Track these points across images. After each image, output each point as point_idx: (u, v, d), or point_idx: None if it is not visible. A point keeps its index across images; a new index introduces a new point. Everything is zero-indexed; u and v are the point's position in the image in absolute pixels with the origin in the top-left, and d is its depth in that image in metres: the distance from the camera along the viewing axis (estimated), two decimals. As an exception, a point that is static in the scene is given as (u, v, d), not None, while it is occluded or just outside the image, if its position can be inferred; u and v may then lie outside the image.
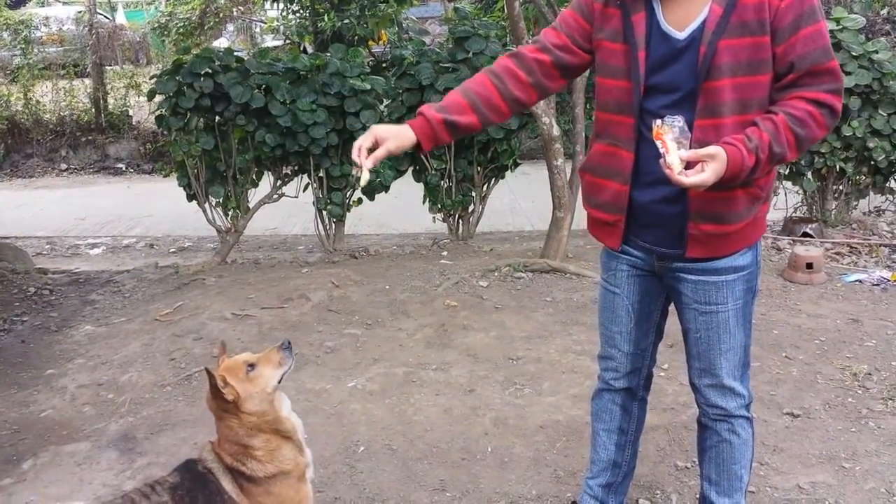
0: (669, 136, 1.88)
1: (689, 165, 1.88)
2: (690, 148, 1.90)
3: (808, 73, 1.95)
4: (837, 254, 5.75)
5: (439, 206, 6.44)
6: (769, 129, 1.92)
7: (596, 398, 2.56)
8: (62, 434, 3.48)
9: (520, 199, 8.76)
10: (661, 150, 1.89)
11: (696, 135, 1.96)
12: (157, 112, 6.07)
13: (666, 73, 2.02)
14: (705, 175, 1.85)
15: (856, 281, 5.10)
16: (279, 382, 2.19)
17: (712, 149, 1.87)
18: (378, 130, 2.13)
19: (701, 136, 1.97)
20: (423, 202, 6.52)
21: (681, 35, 2.00)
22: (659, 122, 1.91)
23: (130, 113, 12.36)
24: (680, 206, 2.08)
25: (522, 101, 2.28)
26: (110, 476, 3.11)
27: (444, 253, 6.14)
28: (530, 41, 2.32)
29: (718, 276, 2.14)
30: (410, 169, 6.41)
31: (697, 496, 2.49)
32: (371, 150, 2.11)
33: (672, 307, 2.35)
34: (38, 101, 12.19)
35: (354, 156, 2.11)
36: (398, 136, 2.15)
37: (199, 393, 3.79)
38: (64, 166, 11.97)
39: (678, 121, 1.89)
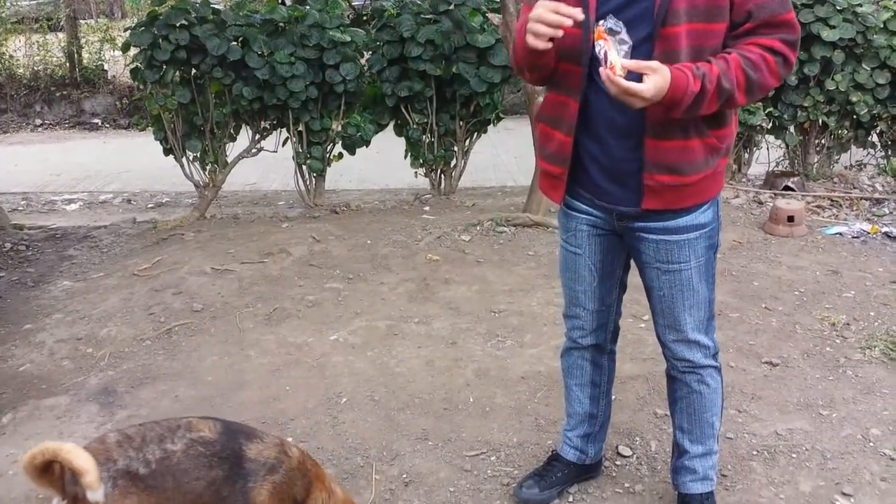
0: (611, 41, 1.81)
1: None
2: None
3: (764, 24, 1.91)
4: (818, 207, 5.77)
5: (421, 160, 6.39)
6: (720, 65, 1.88)
7: (565, 356, 2.55)
8: (41, 388, 3.45)
9: (502, 154, 8.71)
10: (602, 50, 1.80)
11: None
12: (132, 65, 5.94)
13: (620, 19, 1.91)
14: (645, 86, 1.79)
15: (836, 234, 5.14)
16: None
17: (655, 63, 1.82)
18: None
19: None
20: (405, 157, 6.47)
21: None
22: (602, 22, 1.83)
23: (105, 67, 12.12)
24: (635, 160, 2.02)
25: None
26: (91, 429, 3.09)
27: (426, 208, 6.11)
28: None
29: (680, 235, 2.11)
30: (392, 123, 6.34)
31: (672, 445, 2.52)
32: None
33: (627, 259, 2.33)
34: (11, 56, 11.92)
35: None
36: None
37: (178, 347, 3.77)
38: (39, 122, 11.75)
39: (620, 25, 1.82)
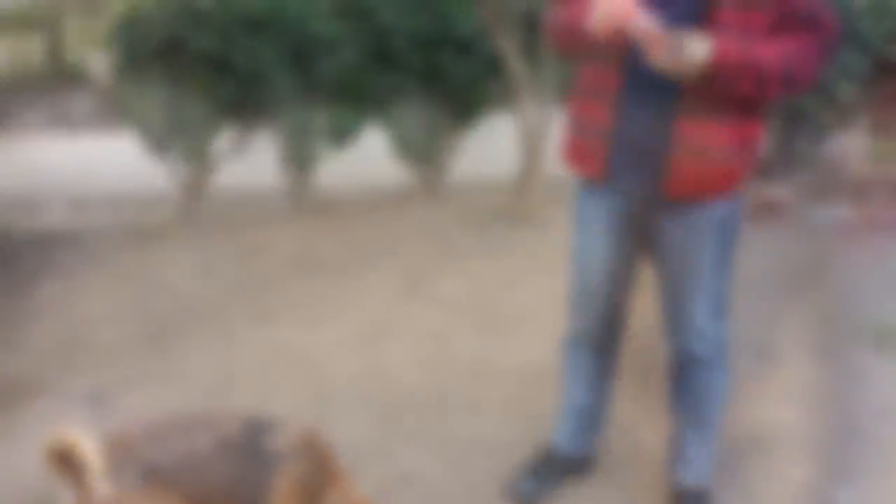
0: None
1: None
2: None
3: (804, 23, 1.91)
4: (804, 193, 5.79)
5: (407, 155, 6.36)
6: (760, 47, 1.87)
7: (568, 348, 2.51)
8: (29, 392, 3.41)
9: (489, 147, 8.68)
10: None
11: None
12: (113, 63, 5.88)
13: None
14: (693, 46, 1.79)
15: (822, 220, 5.15)
16: None
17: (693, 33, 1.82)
18: None
19: None
20: (391, 151, 6.43)
21: None
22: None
23: (86, 65, 12.02)
24: (663, 141, 1.97)
25: None
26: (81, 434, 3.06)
27: (414, 203, 6.08)
28: None
29: (699, 226, 2.08)
30: (377, 116, 6.30)
31: (669, 437, 2.51)
32: None
33: (649, 251, 2.28)
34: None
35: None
36: None
37: (167, 348, 3.73)
38: (19, 122, 11.63)
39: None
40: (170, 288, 4.40)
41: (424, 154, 6.37)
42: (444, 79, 5.98)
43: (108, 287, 4.52)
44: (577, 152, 2.18)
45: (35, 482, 2.75)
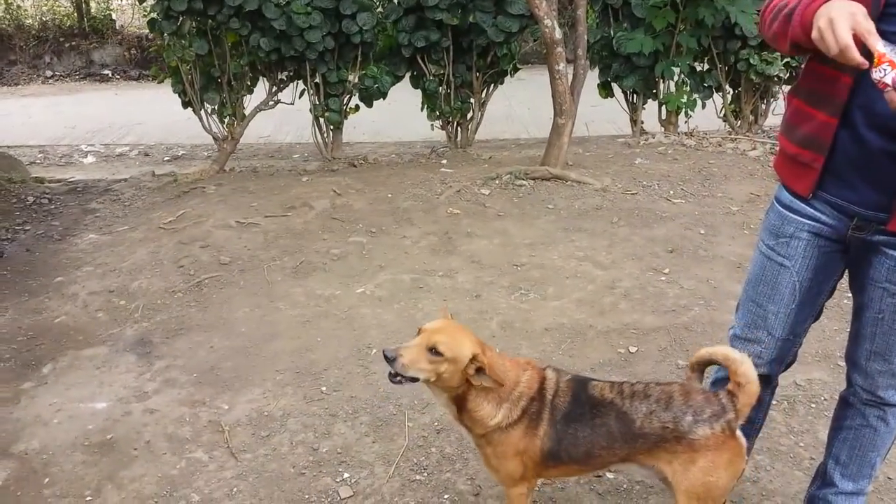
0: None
1: None
2: None
3: None
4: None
5: (438, 112, 6.39)
6: None
7: (722, 385, 2.09)
8: (78, 339, 3.55)
9: (515, 106, 8.69)
10: (886, 75, 1.52)
11: None
12: (148, 15, 5.93)
13: None
14: None
15: None
16: None
17: None
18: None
19: None
20: (422, 109, 6.47)
21: None
22: (882, 45, 1.54)
23: (114, 17, 12.06)
24: (894, 165, 1.70)
25: None
26: (130, 378, 3.20)
27: (444, 161, 6.13)
28: None
29: None
30: (408, 74, 6.34)
31: (817, 471, 2.33)
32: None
33: (837, 282, 2.02)
34: (18, 6, 11.85)
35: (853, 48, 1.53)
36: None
37: (209, 299, 3.85)
38: (49, 73, 11.73)
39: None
40: (208, 240, 4.50)
41: (455, 112, 6.39)
42: (476, 38, 5.97)
43: (148, 238, 4.63)
44: (789, 163, 1.92)
45: (90, 424, 2.90)
